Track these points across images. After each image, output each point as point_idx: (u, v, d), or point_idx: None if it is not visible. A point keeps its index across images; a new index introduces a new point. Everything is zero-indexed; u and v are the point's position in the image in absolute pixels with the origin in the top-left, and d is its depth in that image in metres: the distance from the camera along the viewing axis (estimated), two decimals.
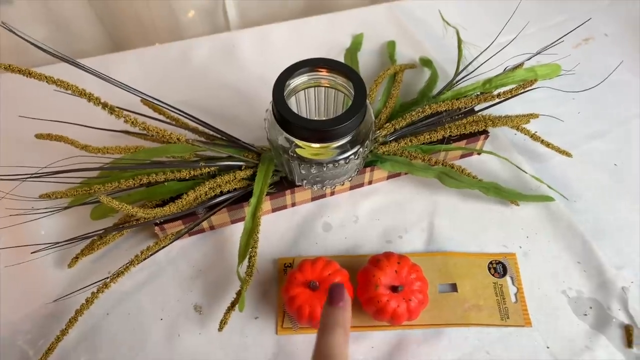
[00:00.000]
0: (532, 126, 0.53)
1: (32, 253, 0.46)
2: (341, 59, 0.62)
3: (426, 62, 0.60)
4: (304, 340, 0.44)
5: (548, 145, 0.51)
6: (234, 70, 0.63)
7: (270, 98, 0.42)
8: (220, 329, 0.42)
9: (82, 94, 0.40)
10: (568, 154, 0.51)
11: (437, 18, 0.64)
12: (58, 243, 0.44)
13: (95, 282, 0.44)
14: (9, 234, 0.48)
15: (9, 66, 0.39)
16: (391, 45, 0.63)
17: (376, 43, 0.65)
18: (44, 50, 0.39)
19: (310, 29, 0.67)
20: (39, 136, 0.47)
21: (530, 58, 0.50)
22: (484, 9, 0.69)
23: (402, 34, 0.66)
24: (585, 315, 0.45)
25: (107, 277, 0.44)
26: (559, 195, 0.51)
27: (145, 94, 0.44)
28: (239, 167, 0.47)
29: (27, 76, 0.40)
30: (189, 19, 0.70)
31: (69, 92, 0.39)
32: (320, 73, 0.44)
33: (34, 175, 0.42)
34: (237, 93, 0.60)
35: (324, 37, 0.66)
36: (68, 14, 0.68)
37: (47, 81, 0.39)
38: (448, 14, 0.65)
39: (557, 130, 0.55)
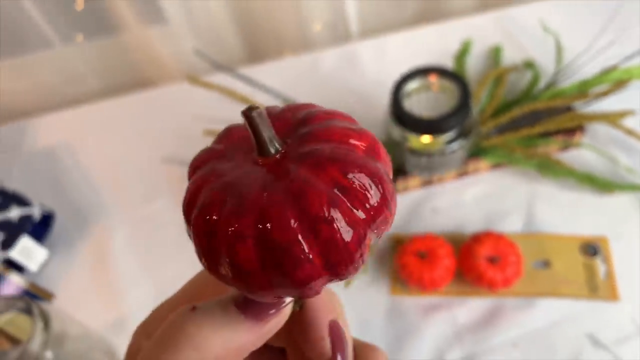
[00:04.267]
0: (631, 121, 0.57)
1: None
2: (451, 64, 0.70)
3: (529, 65, 0.66)
4: (413, 301, 0.53)
5: None
6: (355, 76, 0.73)
7: (387, 100, 0.52)
8: (346, 285, 0.52)
9: (246, 101, 0.53)
10: None
11: (541, 22, 0.70)
12: None
13: None
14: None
15: (195, 79, 0.52)
16: (497, 50, 0.69)
17: (483, 48, 0.72)
18: (213, 63, 0.52)
19: (422, 37, 0.76)
20: (206, 133, 0.61)
21: (627, 60, 0.55)
22: (589, 9, 0.73)
23: (508, 39, 0.72)
24: None
25: None
26: None
27: (285, 98, 0.56)
28: None
29: (208, 88, 0.53)
30: (316, 32, 0.82)
31: (235, 99, 0.52)
32: (431, 79, 0.53)
33: None
34: (358, 96, 0.70)
35: (435, 44, 0.74)
36: (214, 29, 0.82)
37: (219, 92, 0.52)
38: (553, 17, 0.70)
39: None
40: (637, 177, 0.55)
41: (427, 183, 0.59)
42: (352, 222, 0.16)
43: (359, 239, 0.16)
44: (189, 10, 0.78)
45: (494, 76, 0.62)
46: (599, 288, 0.50)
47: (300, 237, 0.15)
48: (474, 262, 0.49)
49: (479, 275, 0.49)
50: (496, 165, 0.59)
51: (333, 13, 0.79)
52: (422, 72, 0.52)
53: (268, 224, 0.15)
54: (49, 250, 0.61)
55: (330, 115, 0.18)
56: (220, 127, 0.62)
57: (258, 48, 0.86)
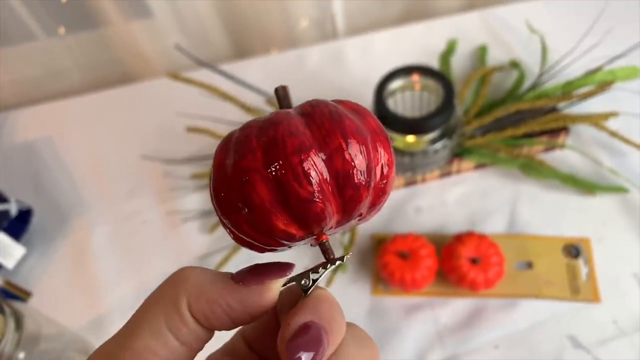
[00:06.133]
0: (615, 123, 0.57)
1: (183, 219, 0.59)
2: (436, 63, 0.69)
3: (514, 65, 0.66)
4: (394, 301, 0.53)
5: (626, 141, 0.55)
6: (341, 74, 0.72)
7: (371, 98, 0.51)
8: (327, 286, 0.52)
9: (225, 97, 0.52)
10: None
11: (527, 22, 0.69)
12: (202, 214, 0.57)
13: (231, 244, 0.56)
14: (166, 205, 0.62)
15: (175, 75, 0.51)
16: (482, 49, 0.69)
17: (469, 48, 0.71)
18: (194, 59, 0.51)
19: (408, 35, 0.75)
20: (190, 129, 0.60)
21: (611, 62, 0.55)
22: (575, 10, 0.73)
23: (494, 38, 0.72)
24: None
25: None
26: (637, 188, 0.55)
27: (268, 95, 0.55)
28: None
29: (187, 83, 0.52)
30: (302, 27, 0.81)
31: (217, 96, 0.51)
32: (414, 78, 0.52)
33: (188, 159, 0.55)
34: (344, 94, 0.70)
35: (421, 43, 0.74)
36: (200, 25, 0.81)
37: (200, 87, 0.51)
38: (539, 17, 0.70)
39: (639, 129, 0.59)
40: (620, 179, 0.55)
41: (411, 183, 0.59)
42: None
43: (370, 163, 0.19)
44: (174, 6, 0.77)
45: (479, 76, 0.62)
46: (581, 289, 0.50)
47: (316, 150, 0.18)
48: (456, 263, 0.49)
49: (461, 276, 0.49)
50: (480, 165, 0.59)
51: (319, 10, 0.78)
52: (405, 70, 0.52)
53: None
54: (27, 247, 0.60)
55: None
56: (204, 123, 0.61)
57: (244, 44, 0.85)
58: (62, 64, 0.80)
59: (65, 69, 0.80)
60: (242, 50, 0.85)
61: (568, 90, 0.55)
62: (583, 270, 0.51)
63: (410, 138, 0.50)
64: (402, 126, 0.49)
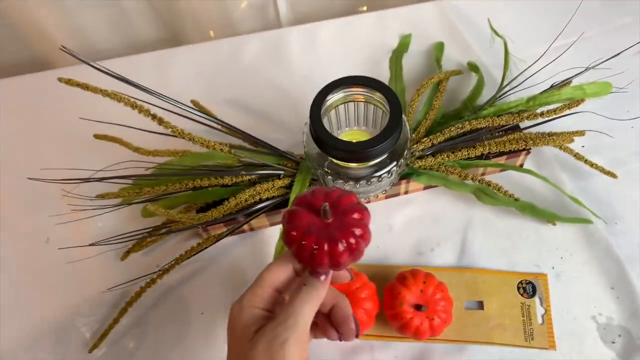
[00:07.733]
0: (579, 140, 0.52)
1: (89, 245, 0.50)
2: (387, 61, 0.62)
3: (473, 68, 0.59)
4: (330, 344, 0.46)
5: (592, 165, 0.50)
6: (281, 68, 0.64)
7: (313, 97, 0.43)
8: None
9: (134, 106, 0.43)
10: (613, 175, 0.50)
11: (489, 18, 0.62)
12: (112, 239, 0.49)
13: (145, 276, 0.48)
14: (70, 228, 0.53)
15: (69, 80, 0.42)
16: (439, 47, 0.62)
17: (424, 44, 0.64)
18: (82, 60, 0.42)
19: (357, 27, 0.67)
20: (97, 137, 0.51)
21: (580, 74, 0.49)
22: (541, 8, 0.66)
23: (452, 34, 0.65)
24: (613, 343, 0.45)
25: (155, 272, 0.48)
26: (599, 218, 0.50)
27: (188, 107, 0.47)
28: (278, 176, 0.49)
29: (84, 89, 0.43)
30: (241, 14, 0.71)
31: (123, 103, 0.42)
32: (356, 89, 0.45)
33: (90, 179, 0.46)
34: (283, 93, 0.62)
35: (371, 36, 0.66)
36: (128, 5, 0.71)
37: (102, 94, 0.42)
38: (501, 14, 0.63)
39: (606, 145, 0.53)
40: (581, 209, 0.50)
41: None
42: (366, 238, 0.32)
43: (365, 245, 0.33)
44: None
45: (433, 82, 0.55)
46: (535, 334, 0.45)
47: (344, 245, 0.31)
48: (398, 309, 0.43)
49: (404, 323, 0.43)
50: (431, 186, 0.53)
51: None
52: (344, 82, 0.44)
53: (334, 240, 0.31)
54: None
55: (348, 199, 0.33)
56: (111, 129, 0.50)
57: (176, 28, 0.75)
58: None
59: None
60: (174, 34, 0.75)
61: (532, 107, 0.49)
62: (539, 311, 0.46)
63: (353, 165, 0.43)
64: (343, 154, 0.41)
